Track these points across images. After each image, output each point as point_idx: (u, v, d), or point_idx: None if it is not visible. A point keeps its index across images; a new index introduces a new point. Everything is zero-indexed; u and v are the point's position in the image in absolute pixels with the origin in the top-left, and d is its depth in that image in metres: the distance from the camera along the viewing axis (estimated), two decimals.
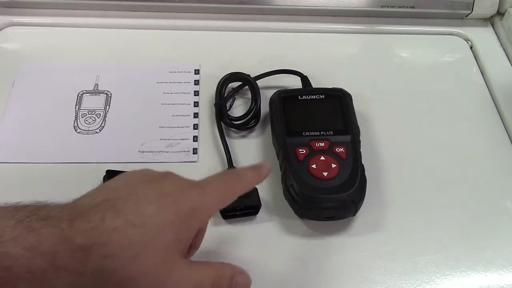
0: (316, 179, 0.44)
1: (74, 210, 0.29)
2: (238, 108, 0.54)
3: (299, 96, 0.50)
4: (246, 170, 0.37)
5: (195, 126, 0.52)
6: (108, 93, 0.55)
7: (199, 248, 0.44)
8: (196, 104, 0.54)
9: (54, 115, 0.52)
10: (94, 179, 0.47)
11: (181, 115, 0.53)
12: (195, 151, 0.50)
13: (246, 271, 0.34)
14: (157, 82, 0.56)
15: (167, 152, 0.50)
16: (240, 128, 0.52)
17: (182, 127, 0.52)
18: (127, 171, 0.34)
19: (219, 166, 0.49)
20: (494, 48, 0.63)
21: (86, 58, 0.58)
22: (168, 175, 0.34)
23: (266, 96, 0.53)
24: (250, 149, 0.51)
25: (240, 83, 0.55)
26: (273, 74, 0.55)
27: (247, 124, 0.52)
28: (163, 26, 0.62)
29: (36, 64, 0.57)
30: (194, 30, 0.62)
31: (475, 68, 0.60)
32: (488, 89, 0.58)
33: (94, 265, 0.28)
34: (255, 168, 0.37)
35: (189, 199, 0.32)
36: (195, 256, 0.39)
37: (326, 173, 0.44)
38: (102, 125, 0.52)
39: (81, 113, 0.53)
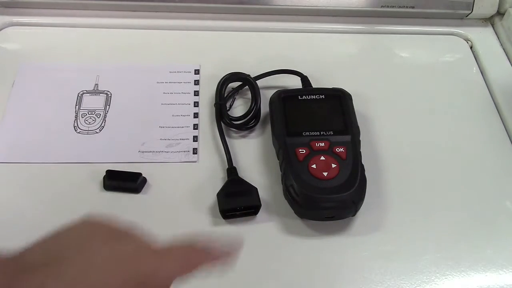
0: (316, 179, 0.44)
1: (15, 268, 0.27)
2: (238, 108, 0.54)
3: (299, 96, 0.50)
4: (215, 247, 0.33)
5: (195, 126, 0.52)
6: (108, 93, 0.55)
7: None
8: (196, 104, 0.54)
9: (54, 115, 0.52)
10: (94, 179, 0.47)
11: (181, 115, 0.53)
12: (195, 151, 0.50)
13: None
14: (157, 82, 0.56)
15: (167, 152, 0.50)
16: (240, 128, 0.52)
17: (182, 127, 0.52)
18: (88, 217, 0.31)
19: (219, 166, 0.49)
20: (494, 48, 0.63)
21: (86, 58, 0.58)
22: (127, 234, 0.30)
23: (266, 96, 0.53)
24: (250, 149, 0.51)
25: (240, 83, 0.55)
26: (273, 74, 0.55)
27: (247, 124, 0.52)
28: (163, 26, 0.62)
29: (36, 64, 0.57)
30: (194, 30, 0.62)
31: (475, 68, 0.60)
32: (488, 89, 0.58)
33: None
34: (226, 248, 0.33)
35: (142, 267, 0.29)
36: None
37: (326, 173, 0.44)
38: (102, 125, 0.52)
39: (81, 113, 0.53)
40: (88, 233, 0.30)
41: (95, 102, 0.54)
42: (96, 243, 0.29)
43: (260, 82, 0.54)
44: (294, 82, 0.55)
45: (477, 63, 0.61)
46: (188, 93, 0.55)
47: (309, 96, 0.50)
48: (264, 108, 0.53)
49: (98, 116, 0.52)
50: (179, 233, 0.44)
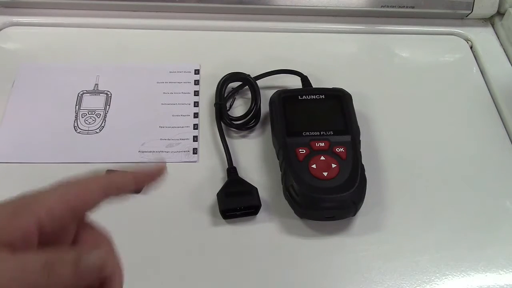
0: (316, 179, 0.44)
1: None
2: (238, 108, 0.54)
3: (299, 96, 0.50)
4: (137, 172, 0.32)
5: (195, 126, 0.52)
6: (108, 93, 0.55)
7: (197, 247, 0.44)
8: (196, 104, 0.54)
9: (54, 115, 0.52)
10: None
11: (181, 115, 0.53)
12: (195, 151, 0.50)
13: (102, 251, 0.28)
14: (157, 82, 0.56)
15: (167, 152, 0.50)
16: (240, 128, 0.52)
17: (182, 127, 0.52)
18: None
19: (219, 166, 0.49)
20: (494, 48, 0.63)
21: (86, 58, 0.58)
22: None
23: (266, 96, 0.53)
24: (250, 149, 0.51)
25: (240, 83, 0.55)
26: (273, 74, 0.55)
27: (247, 124, 0.52)
28: (163, 26, 0.62)
29: (36, 64, 0.57)
30: (194, 30, 0.62)
31: (475, 68, 0.60)
32: (488, 89, 0.58)
33: None
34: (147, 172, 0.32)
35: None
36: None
37: (326, 173, 0.44)
38: (102, 125, 0.52)
39: (81, 113, 0.53)
40: None
41: (95, 102, 0.54)
42: None
43: (260, 82, 0.54)
44: (294, 82, 0.55)
45: (477, 63, 0.61)
46: (188, 93, 0.55)
47: (309, 96, 0.50)
48: (264, 108, 0.53)
49: (98, 116, 0.52)
50: (179, 233, 0.45)
